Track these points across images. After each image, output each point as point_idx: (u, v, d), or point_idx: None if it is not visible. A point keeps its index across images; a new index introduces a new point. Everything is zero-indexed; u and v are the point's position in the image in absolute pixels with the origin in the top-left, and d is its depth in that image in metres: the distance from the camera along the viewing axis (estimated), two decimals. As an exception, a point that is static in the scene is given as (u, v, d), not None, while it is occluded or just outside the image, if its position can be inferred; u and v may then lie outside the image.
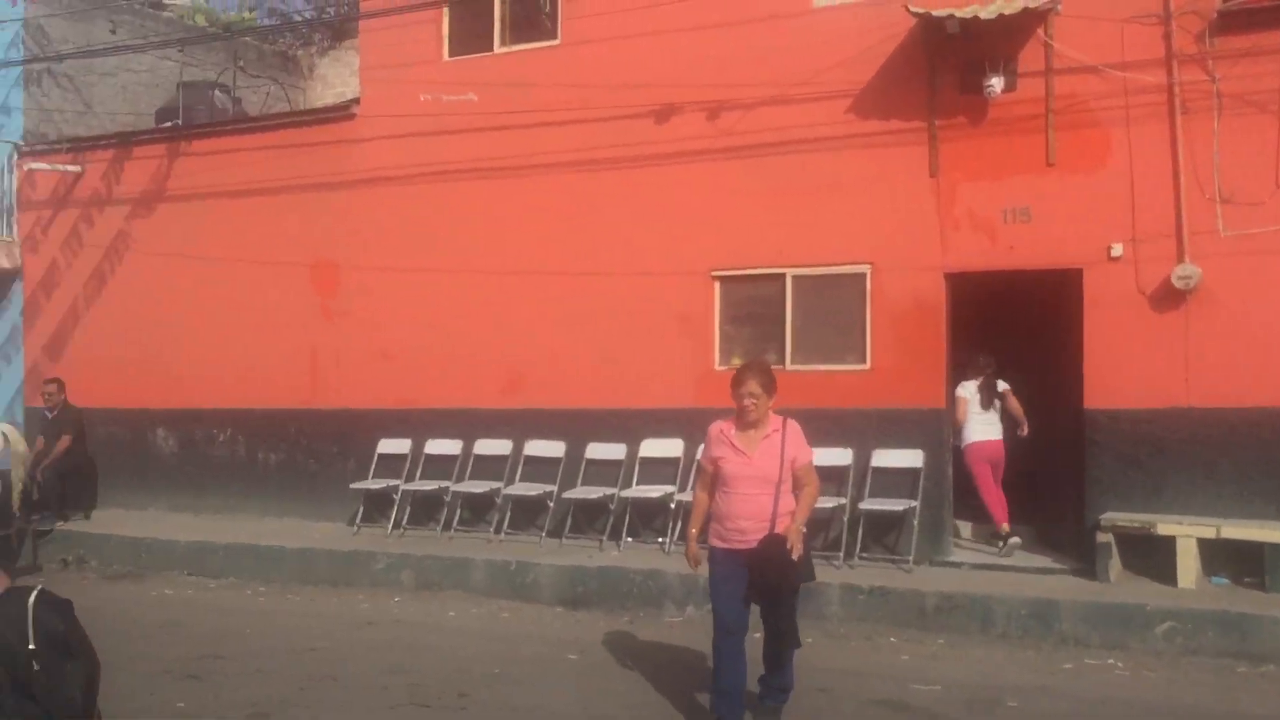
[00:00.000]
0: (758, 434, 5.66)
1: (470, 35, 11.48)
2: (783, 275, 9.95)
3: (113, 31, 14.33)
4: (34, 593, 2.23)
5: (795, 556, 5.40)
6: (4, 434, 11.72)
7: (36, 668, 2.20)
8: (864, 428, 9.47)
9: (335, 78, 16.57)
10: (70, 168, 13.40)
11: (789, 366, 9.79)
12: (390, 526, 10.95)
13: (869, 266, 9.59)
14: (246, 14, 17.50)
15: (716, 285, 10.24)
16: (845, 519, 9.29)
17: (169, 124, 13.77)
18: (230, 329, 12.48)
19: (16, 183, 13.80)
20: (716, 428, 5.80)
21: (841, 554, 9.18)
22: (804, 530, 5.54)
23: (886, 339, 9.52)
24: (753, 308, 10.17)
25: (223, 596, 9.90)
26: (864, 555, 9.18)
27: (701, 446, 6.24)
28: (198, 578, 10.57)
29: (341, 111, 12.23)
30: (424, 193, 11.34)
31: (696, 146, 10.20)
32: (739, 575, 5.55)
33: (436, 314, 11.28)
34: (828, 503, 9.27)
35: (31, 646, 2.19)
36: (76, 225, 13.52)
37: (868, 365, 9.59)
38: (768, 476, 5.57)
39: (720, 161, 10.12)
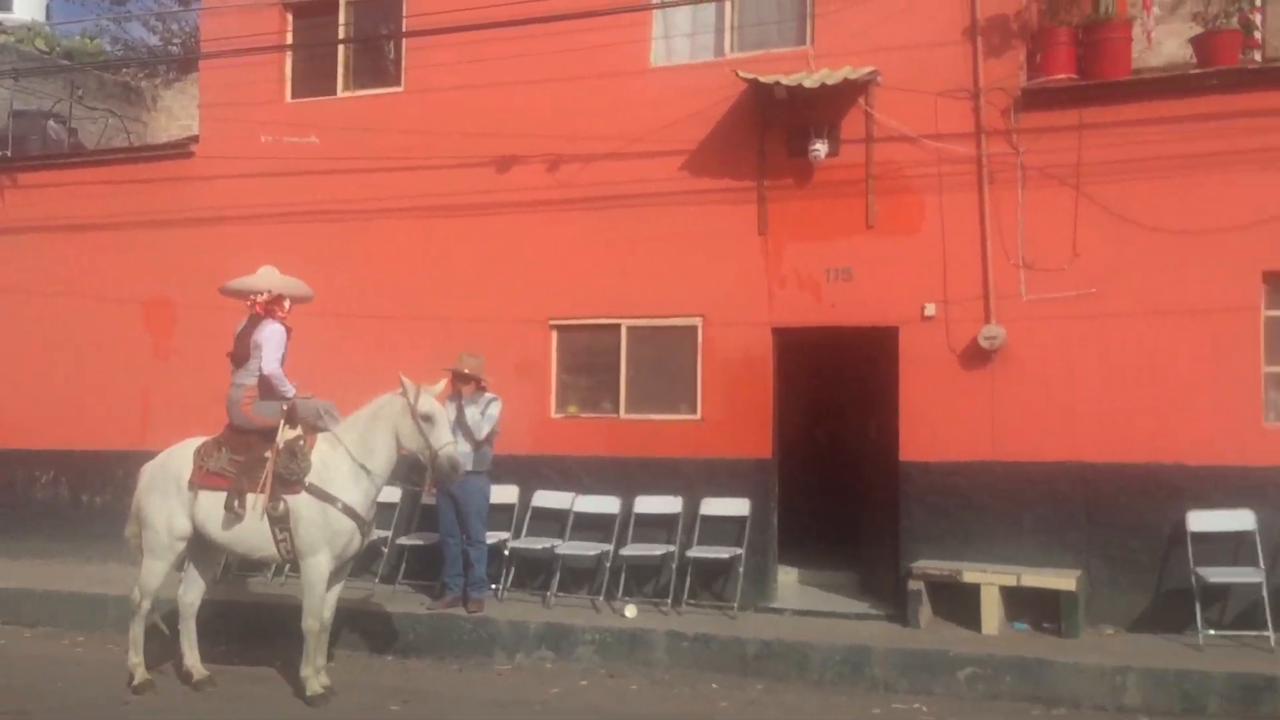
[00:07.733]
0: None
1: (313, 78, 11.50)
2: (618, 326, 10.19)
3: (-59, 55, 13.83)
4: None
5: None
6: None
7: None
8: (694, 477, 9.71)
9: (181, 110, 16.21)
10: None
11: (623, 415, 10.02)
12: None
13: (700, 319, 9.89)
14: (89, 41, 17.03)
15: (554, 334, 10.41)
16: (674, 566, 9.51)
17: (-3, 154, 13.31)
18: (62, 366, 12.11)
19: None
20: None
21: (670, 600, 9.39)
22: None
23: (716, 390, 9.81)
24: (589, 357, 10.36)
25: (38, 646, 9.55)
26: (691, 601, 9.40)
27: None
28: (14, 626, 10.18)
29: (179, 149, 12.06)
30: (263, 233, 11.16)
31: (537, 197, 10.39)
32: None
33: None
34: (657, 549, 9.49)
35: None
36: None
37: (698, 415, 9.86)
38: None
39: (560, 212, 10.32)
